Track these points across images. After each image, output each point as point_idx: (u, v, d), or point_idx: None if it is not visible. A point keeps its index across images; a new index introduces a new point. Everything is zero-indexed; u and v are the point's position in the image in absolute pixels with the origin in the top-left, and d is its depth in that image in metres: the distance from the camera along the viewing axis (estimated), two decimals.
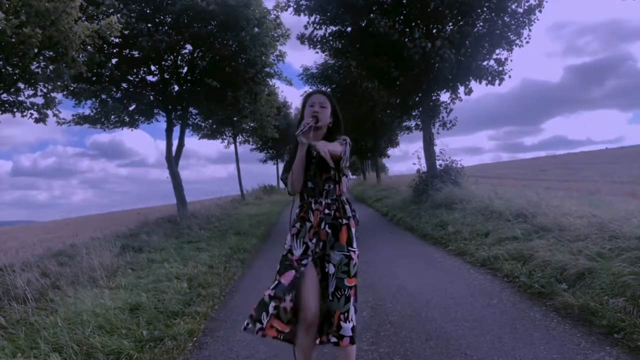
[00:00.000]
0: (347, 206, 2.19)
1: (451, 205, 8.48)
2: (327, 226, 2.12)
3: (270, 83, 15.64)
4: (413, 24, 10.50)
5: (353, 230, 2.17)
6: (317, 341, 2.13)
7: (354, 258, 2.11)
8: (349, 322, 2.01)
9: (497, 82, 10.69)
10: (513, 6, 10.05)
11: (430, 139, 11.28)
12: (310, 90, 2.28)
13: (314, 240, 2.11)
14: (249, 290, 4.80)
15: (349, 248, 2.11)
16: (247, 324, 2.10)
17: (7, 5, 5.63)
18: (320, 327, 2.07)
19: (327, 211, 2.13)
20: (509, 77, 10.74)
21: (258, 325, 2.05)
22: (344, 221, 2.14)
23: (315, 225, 2.12)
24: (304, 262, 2.08)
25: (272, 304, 2.03)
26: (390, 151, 29.22)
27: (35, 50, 6.07)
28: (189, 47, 12.61)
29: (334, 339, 2.01)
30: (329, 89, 22.40)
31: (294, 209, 2.23)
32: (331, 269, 2.08)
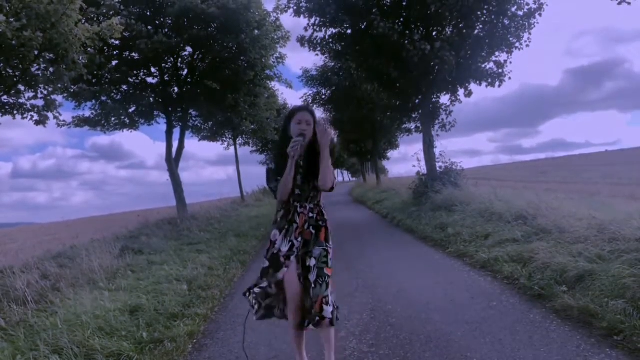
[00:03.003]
0: (324, 210, 2.58)
1: (451, 207, 8.47)
2: (310, 227, 2.50)
3: (270, 85, 15.66)
4: (413, 26, 10.52)
5: (329, 231, 2.57)
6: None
7: (330, 252, 2.50)
8: (330, 305, 2.39)
9: (497, 83, 10.71)
10: (513, 9, 10.06)
11: (430, 141, 11.27)
12: (295, 106, 2.62)
13: (299, 239, 2.46)
14: None
15: (327, 244, 2.50)
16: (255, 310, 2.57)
17: (7, 8, 5.64)
18: (302, 318, 2.42)
19: (310, 215, 2.50)
20: (509, 79, 10.77)
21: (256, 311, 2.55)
22: (323, 223, 2.54)
23: (300, 226, 2.47)
24: (291, 258, 2.43)
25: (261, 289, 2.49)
26: (389, 153, 29.26)
27: (36, 53, 6.08)
28: (189, 49, 12.65)
29: (317, 319, 2.35)
30: (328, 91, 22.46)
31: (276, 212, 2.59)
32: (312, 262, 2.44)
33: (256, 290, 2.50)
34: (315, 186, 2.46)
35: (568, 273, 3.69)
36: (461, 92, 11.34)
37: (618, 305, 2.91)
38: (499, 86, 10.77)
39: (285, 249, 2.43)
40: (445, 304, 3.73)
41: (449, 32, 10.49)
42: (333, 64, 20.06)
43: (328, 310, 2.37)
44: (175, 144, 13.57)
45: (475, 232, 6.27)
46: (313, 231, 2.48)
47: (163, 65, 12.66)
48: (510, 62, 10.63)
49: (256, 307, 2.55)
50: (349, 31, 11.39)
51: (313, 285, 2.38)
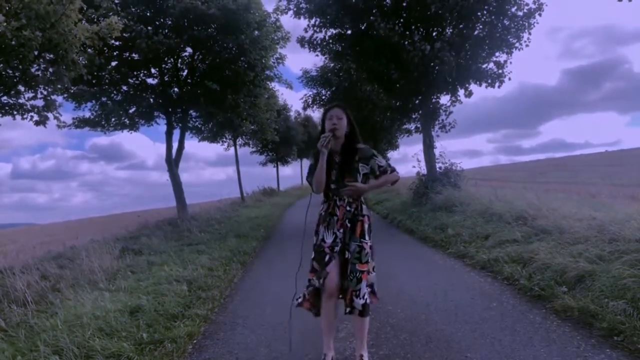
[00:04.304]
0: (364, 205, 2.71)
1: (451, 208, 8.47)
2: (347, 220, 2.64)
3: (270, 86, 15.65)
4: (413, 26, 10.51)
5: (366, 225, 2.67)
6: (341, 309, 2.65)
7: (366, 248, 2.62)
8: (360, 298, 2.53)
9: (497, 84, 10.70)
10: (513, 9, 10.06)
11: (430, 142, 11.27)
12: (329, 104, 2.86)
13: (341, 230, 2.63)
14: (249, 293, 4.80)
15: (362, 240, 2.63)
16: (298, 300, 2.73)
17: (7, 8, 5.64)
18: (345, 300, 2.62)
19: (348, 208, 2.65)
20: (509, 79, 10.76)
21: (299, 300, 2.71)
22: (360, 217, 2.67)
23: (340, 219, 2.64)
24: (336, 249, 2.61)
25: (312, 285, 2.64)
26: (389, 154, 29.17)
27: (35, 53, 6.08)
28: (189, 49, 12.63)
29: (348, 309, 2.56)
30: (328, 92, 22.42)
31: (320, 207, 2.73)
32: (348, 256, 2.60)
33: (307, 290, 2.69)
34: (350, 180, 2.63)
35: (568, 273, 3.69)
36: (461, 92, 11.32)
37: (618, 306, 2.91)
38: (499, 87, 10.77)
39: (329, 240, 2.62)
40: (445, 305, 3.74)
41: (449, 33, 10.48)
42: (333, 64, 20.00)
43: (358, 302, 2.53)
44: (175, 145, 13.56)
45: (475, 233, 6.27)
46: (349, 224, 2.63)
47: (163, 66, 12.63)
48: (511, 63, 10.64)
49: (301, 298, 2.73)
50: (349, 32, 11.39)
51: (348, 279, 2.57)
